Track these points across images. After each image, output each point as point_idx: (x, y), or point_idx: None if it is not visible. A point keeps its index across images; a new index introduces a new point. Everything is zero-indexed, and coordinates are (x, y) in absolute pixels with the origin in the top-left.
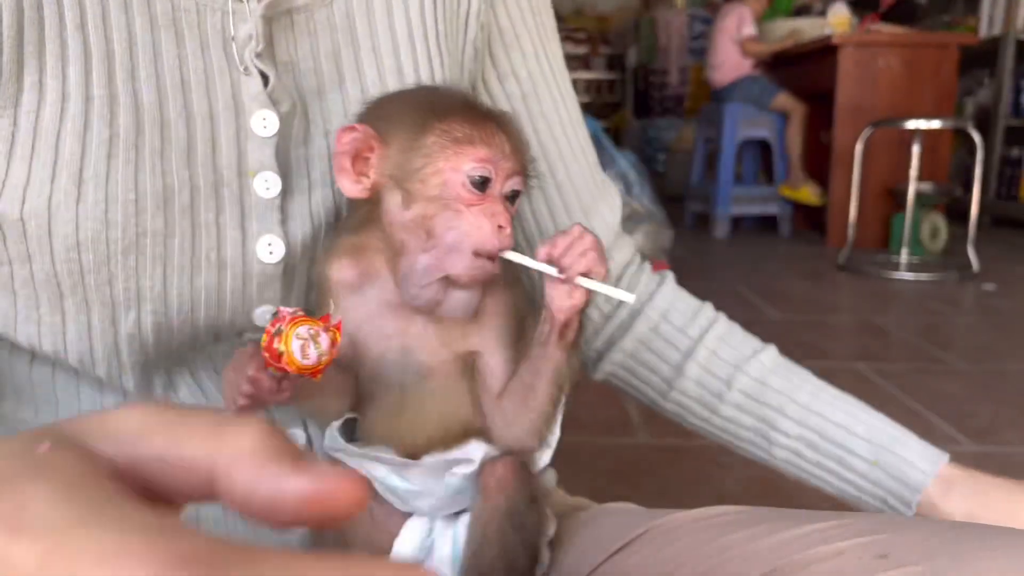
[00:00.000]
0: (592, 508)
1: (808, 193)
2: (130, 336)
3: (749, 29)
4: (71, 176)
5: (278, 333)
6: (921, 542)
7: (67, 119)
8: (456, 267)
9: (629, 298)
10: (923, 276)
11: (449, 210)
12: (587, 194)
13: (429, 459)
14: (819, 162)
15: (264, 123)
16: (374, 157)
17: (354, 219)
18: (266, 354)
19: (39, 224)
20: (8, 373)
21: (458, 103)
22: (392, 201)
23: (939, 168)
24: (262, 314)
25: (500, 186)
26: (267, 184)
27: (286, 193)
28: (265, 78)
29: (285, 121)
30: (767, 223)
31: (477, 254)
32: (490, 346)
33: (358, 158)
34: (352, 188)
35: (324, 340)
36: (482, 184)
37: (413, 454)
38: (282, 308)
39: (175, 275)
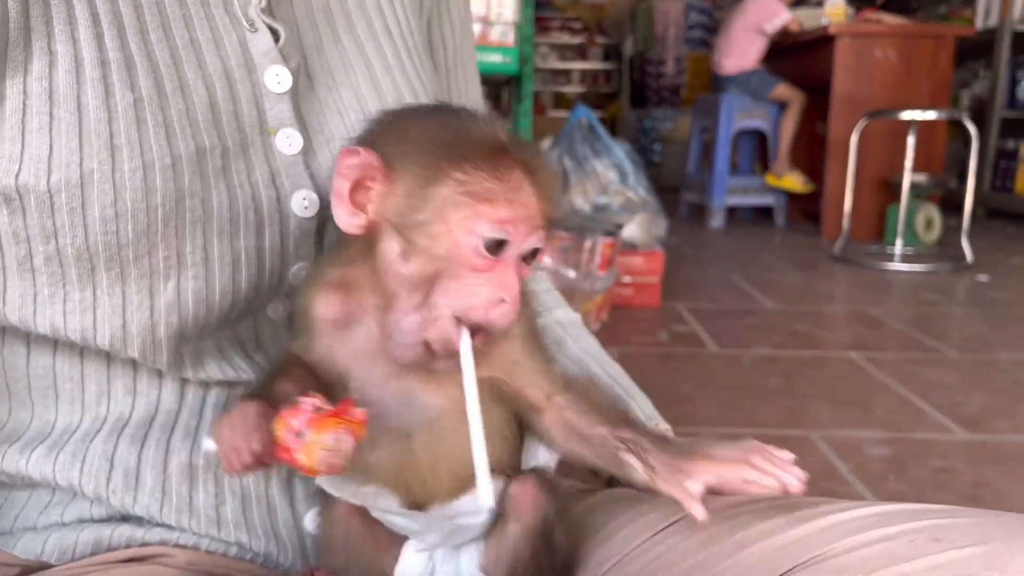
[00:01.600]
0: (598, 492)
1: (792, 181)
2: (168, 307)
3: (785, 15)
4: (103, 143)
5: (299, 436)
6: (972, 527)
7: (85, 84)
8: (433, 333)
9: None
10: (917, 267)
11: (452, 276)
12: None
13: (437, 511)
14: (815, 153)
15: (278, 79)
16: (375, 191)
17: (344, 251)
18: (283, 453)
19: (71, 196)
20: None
21: (483, 143)
22: (390, 247)
23: (934, 159)
24: (297, 272)
25: (518, 248)
26: (289, 140)
27: (307, 149)
28: (275, 34)
29: (295, 77)
30: (762, 214)
31: (460, 322)
32: (508, 368)
33: (359, 187)
34: (347, 221)
35: (348, 443)
36: (497, 247)
37: (420, 502)
38: (302, 400)
39: (215, 238)
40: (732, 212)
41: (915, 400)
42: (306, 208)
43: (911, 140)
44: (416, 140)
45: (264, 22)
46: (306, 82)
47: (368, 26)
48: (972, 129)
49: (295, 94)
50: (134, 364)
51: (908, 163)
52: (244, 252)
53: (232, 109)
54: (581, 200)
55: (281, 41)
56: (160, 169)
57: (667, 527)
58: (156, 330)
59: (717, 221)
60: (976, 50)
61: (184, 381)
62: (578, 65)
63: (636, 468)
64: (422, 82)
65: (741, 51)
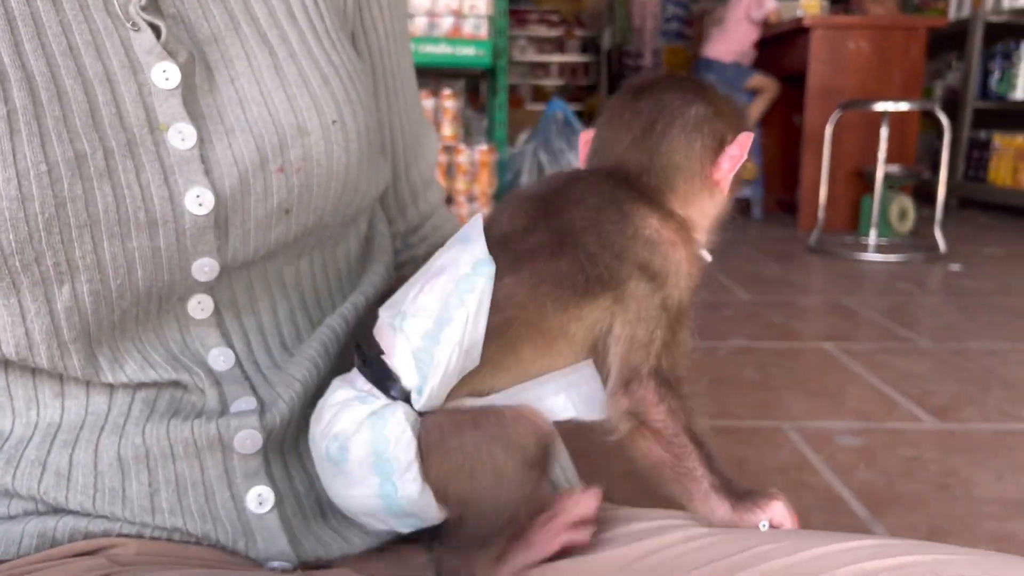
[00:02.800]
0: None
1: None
2: (67, 311)
3: (772, 4)
4: None
5: None
6: (973, 564)
7: None
8: None
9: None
10: (891, 257)
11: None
12: (417, 142)
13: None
14: (792, 145)
15: (165, 75)
16: (736, 164)
17: (680, 200)
18: None
19: None
20: None
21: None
22: (711, 201)
23: (907, 150)
24: (199, 267)
25: None
26: (182, 136)
27: (204, 143)
28: (156, 31)
29: (186, 71)
30: (739, 206)
31: None
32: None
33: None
34: (718, 189)
35: None
36: None
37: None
38: None
39: (105, 241)
40: None
41: (887, 390)
42: (200, 205)
43: (884, 131)
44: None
45: (144, 19)
46: (204, 74)
47: (270, 13)
48: (944, 120)
49: (188, 88)
50: (43, 373)
51: (881, 154)
52: (138, 252)
53: (115, 111)
54: None
55: (163, 37)
56: (35, 177)
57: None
58: (60, 335)
59: None
60: (949, 41)
61: (111, 384)
62: (556, 58)
63: (708, 512)
64: (335, 67)
65: (733, 39)
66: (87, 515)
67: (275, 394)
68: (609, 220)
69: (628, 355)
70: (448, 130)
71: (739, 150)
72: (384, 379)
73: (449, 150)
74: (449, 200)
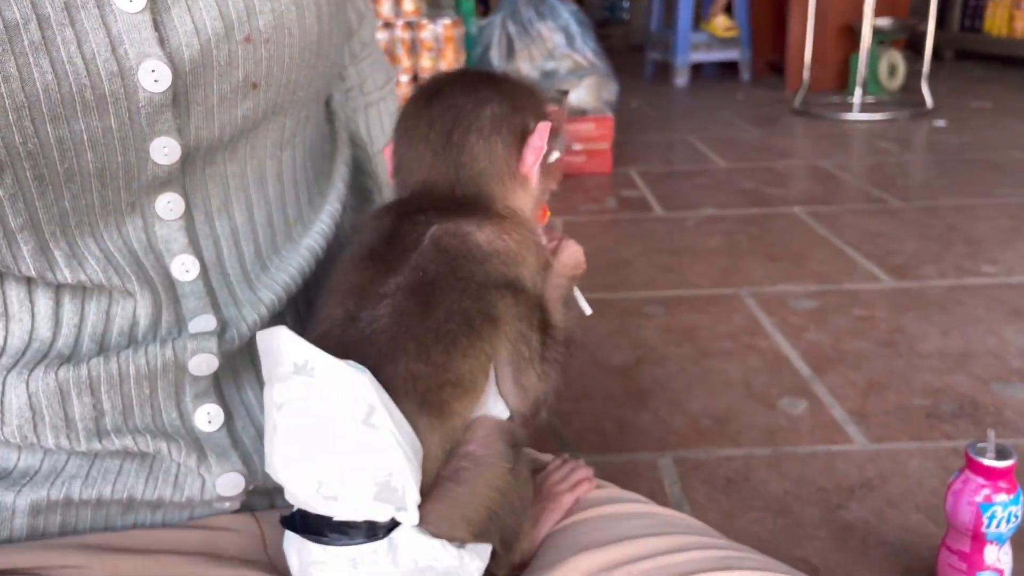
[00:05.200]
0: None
1: (716, 26)
2: (11, 197)
3: None
4: None
5: None
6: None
7: None
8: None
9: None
10: (876, 116)
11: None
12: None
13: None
14: (783, 3)
15: None
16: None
17: (508, 192)
18: None
19: None
20: None
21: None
22: (532, 183)
23: (900, 2)
24: (158, 147)
25: None
26: None
27: (157, 5)
28: None
29: None
30: (730, 70)
31: None
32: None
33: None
34: (532, 180)
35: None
36: None
37: None
38: None
39: (48, 123)
40: (698, 69)
41: (849, 251)
42: (156, 82)
43: None
44: (539, 103)
45: None
46: None
47: None
48: None
49: None
50: (2, 284)
51: (868, 6)
52: (86, 134)
53: None
54: (527, 66)
55: None
56: None
57: None
58: (4, 223)
59: (681, 79)
60: None
61: (58, 303)
62: None
63: None
64: None
65: None
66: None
67: (239, 316)
68: (457, 254)
69: (517, 379)
70: (409, 4)
71: (540, 140)
72: (355, 535)
73: (412, 26)
74: (415, 79)
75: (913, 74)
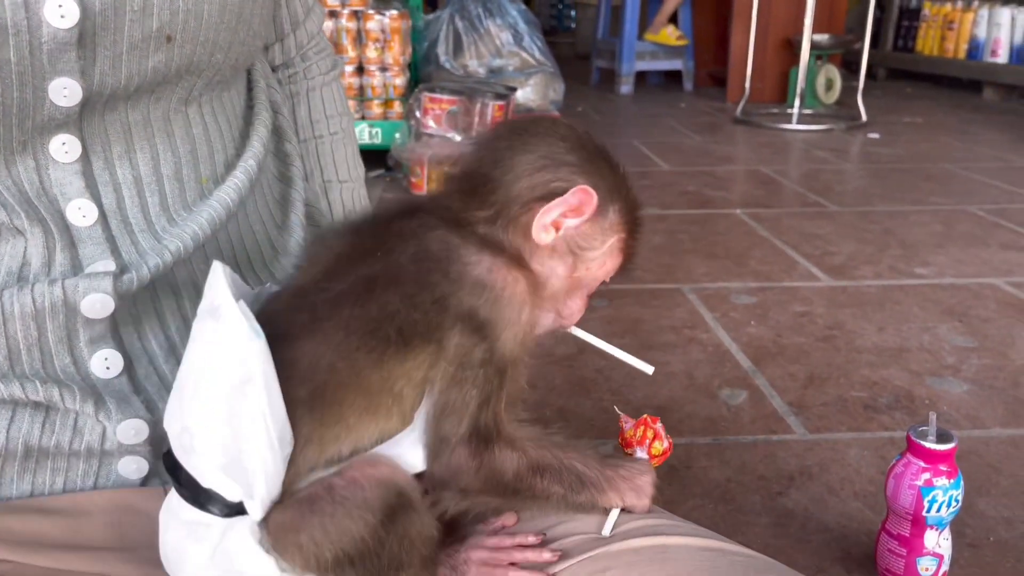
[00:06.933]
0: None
1: (667, 35)
2: None
3: None
4: None
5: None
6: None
7: None
8: (558, 323)
9: (648, 369)
10: (814, 127)
11: (581, 294)
12: None
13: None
14: (724, 18)
15: None
16: (575, 222)
17: (500, 246)
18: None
19: None
20: None
21: (637, 207)
22: (561, 263)
23: (836, 19)
24: (57, 87)
25: None
26: None
27: None
28: None
29: None
30: (673, 79)
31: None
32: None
33: (567, 213)
34: (540, 234)
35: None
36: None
37: None
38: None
39: None
40: (643, 78)
41: (788, 251)
42: (62, 18)
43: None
44: (612, 192)
45: None
46: None
47: None
48: None
49: None
50: None
51: (808, 22)
52: None
53: None
54: (475, 63)
55: None
56: None
57: None
58: None
59: (626, 87)
60: None
61: None
62: None
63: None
64: None
65: None
66: None
67: (140, 261)
68: (434, 260)
69: (437, 424)
70: None
71: (562, 204)
72: (206, 502)
73: (358, 15)
74: (360, 70)
75: (849, 89)
